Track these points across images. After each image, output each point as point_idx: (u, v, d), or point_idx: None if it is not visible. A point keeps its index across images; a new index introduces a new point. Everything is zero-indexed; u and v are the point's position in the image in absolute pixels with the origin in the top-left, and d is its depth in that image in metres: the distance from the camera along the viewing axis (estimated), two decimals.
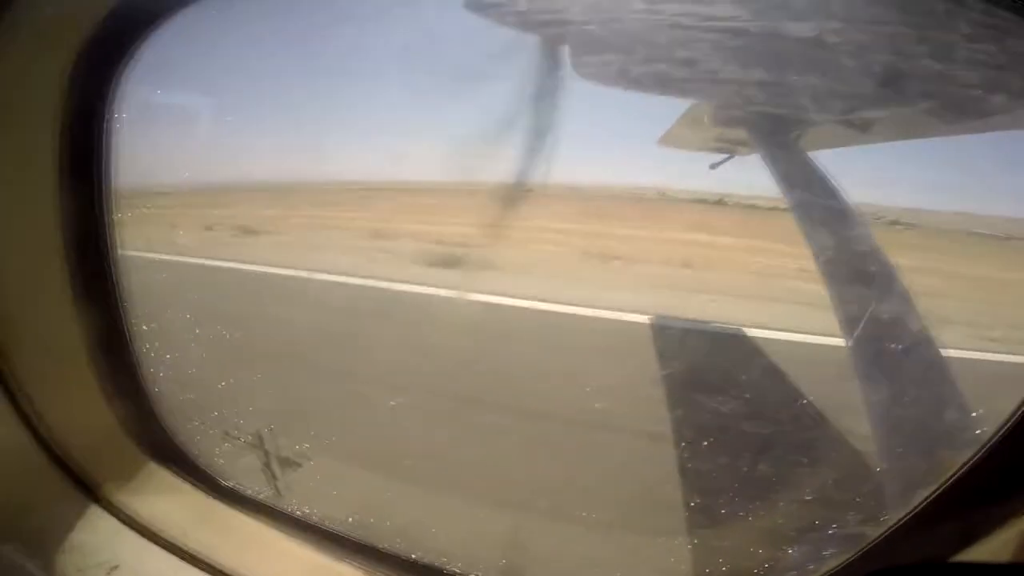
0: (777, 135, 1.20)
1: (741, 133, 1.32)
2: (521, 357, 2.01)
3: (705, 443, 1.12)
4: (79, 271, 0.90)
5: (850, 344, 0.98)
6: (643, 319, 2.42)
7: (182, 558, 0.93)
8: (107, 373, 0.97)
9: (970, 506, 0.67)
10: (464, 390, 1.63)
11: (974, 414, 0.77)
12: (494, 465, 1.25)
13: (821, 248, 1.11)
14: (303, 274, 2.67)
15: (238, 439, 1.08)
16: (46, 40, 0.79)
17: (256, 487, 1.07)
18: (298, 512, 0.99)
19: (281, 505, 1.01)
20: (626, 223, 2.83)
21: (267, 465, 1.08)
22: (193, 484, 1.02)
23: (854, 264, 1.07)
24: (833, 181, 1.14)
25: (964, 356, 1.04)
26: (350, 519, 0.98)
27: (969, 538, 0.65)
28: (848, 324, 1.00)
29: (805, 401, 1.11)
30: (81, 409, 0.97)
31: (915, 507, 0.69)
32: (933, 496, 0.68)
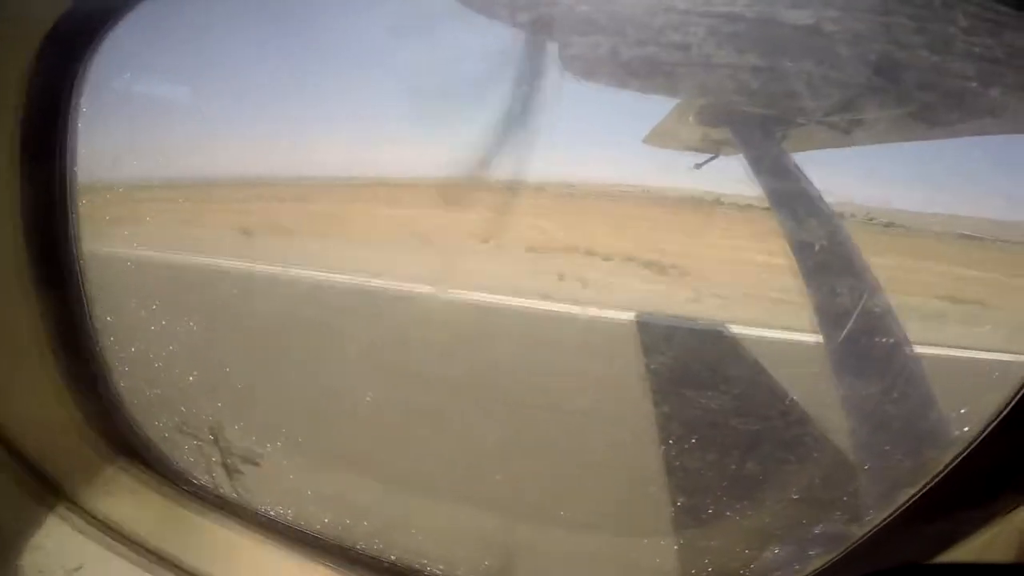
0: (761, 135, 1.20)
1: (725, 133, 1.31)
2: (503, 355, 1.99)
3: (692, 440, 1.11)
4: (39, 262, 0.87)
5: (834, 344, 0.98)
6: (628, 316, 2.42)
7: (149, 560, 0.89)
8: (68, 367, 0.93)
9: (955, 506, 0.67)
10: (443, 387, 1.61)
11: (958, 413, 0.77)
12: (475, 464, 1.22)
13: (801, 249, 1.12)
14: (274, 269, 2.61)
15: (205, 437, 1.05)
16: (7, 27, 0.76)
17: (227, 487, 1.03)
18: (271, 512, 0.95)
19: (253, 505, 0.97)
20: (611, 220, 2.83)
21: (231, 465, 1.05)
22: (160, 483, 0.99)
23: (835, 265, 1.08)
24: (814, 183, 1.15)
25: (950, 354, 1.05)
26: (325, 519, 0.95)
27: (954, 537, 0.65)
28: (830, 324, 1.00)
29: (792, 399, 1.11)
30: (41, 404, 0.93)
31: (899, 507, 0.69)
32: (918, 495, 0.67)
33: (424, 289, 2.45)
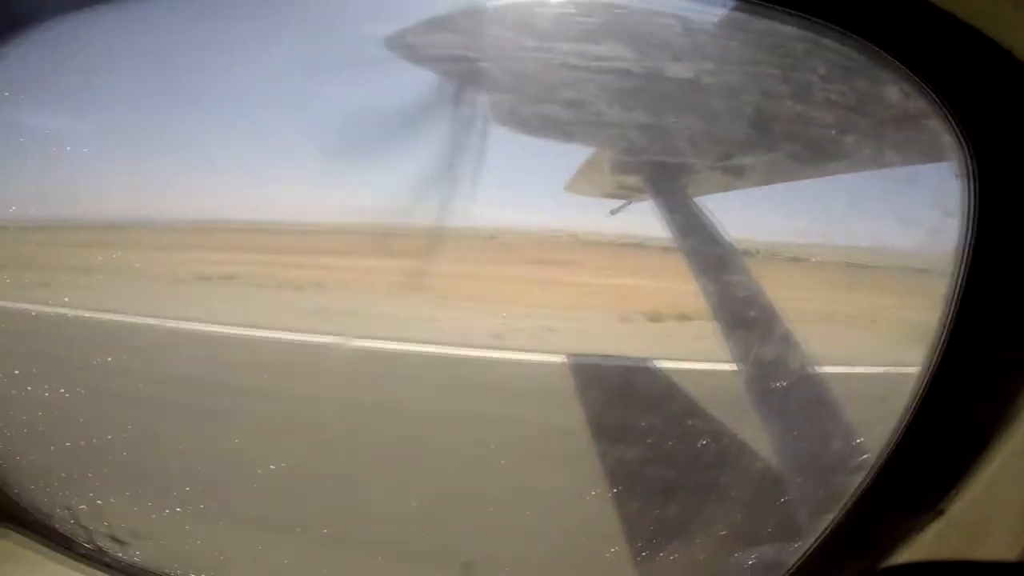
0: (666, 182, 1.27)
1: (636, 180, 1.37)
2: (416, 402, 1.90)
3: (615, 491, 1.09)
4: None
5: (747, 377, 1.02)
6: (553, 358, 2.43)
7: None
8: None
9: (873, 525, 0.69)
10: (354, 442, 1.50)
11: (857, 441, 0.81)
12: (397, 523, 1.13)
13: (708, 292, 1.17)
14: (152, 321, 2.37)
15: (80, 508, 0.91)
16: None
17: (122, 550, 0.89)
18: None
19: (162, 569, 0.84)
20: (537, 267, 2.87)
21: (118, 537, 0.91)
22: (49, 548, 0.85)
23: (736, 309, 1.14)
24: (719, 227, 1.22)
25: (849, 372, 1.12)
26: None
27: (879, 556, 0.67)
28: (737, 365, 1.04)
29: (706, 441, 1.14)
30: None
31: (822, 532, 0.70)
32: (836, 521, 0.69)
33: (327, 339, 2.31)
